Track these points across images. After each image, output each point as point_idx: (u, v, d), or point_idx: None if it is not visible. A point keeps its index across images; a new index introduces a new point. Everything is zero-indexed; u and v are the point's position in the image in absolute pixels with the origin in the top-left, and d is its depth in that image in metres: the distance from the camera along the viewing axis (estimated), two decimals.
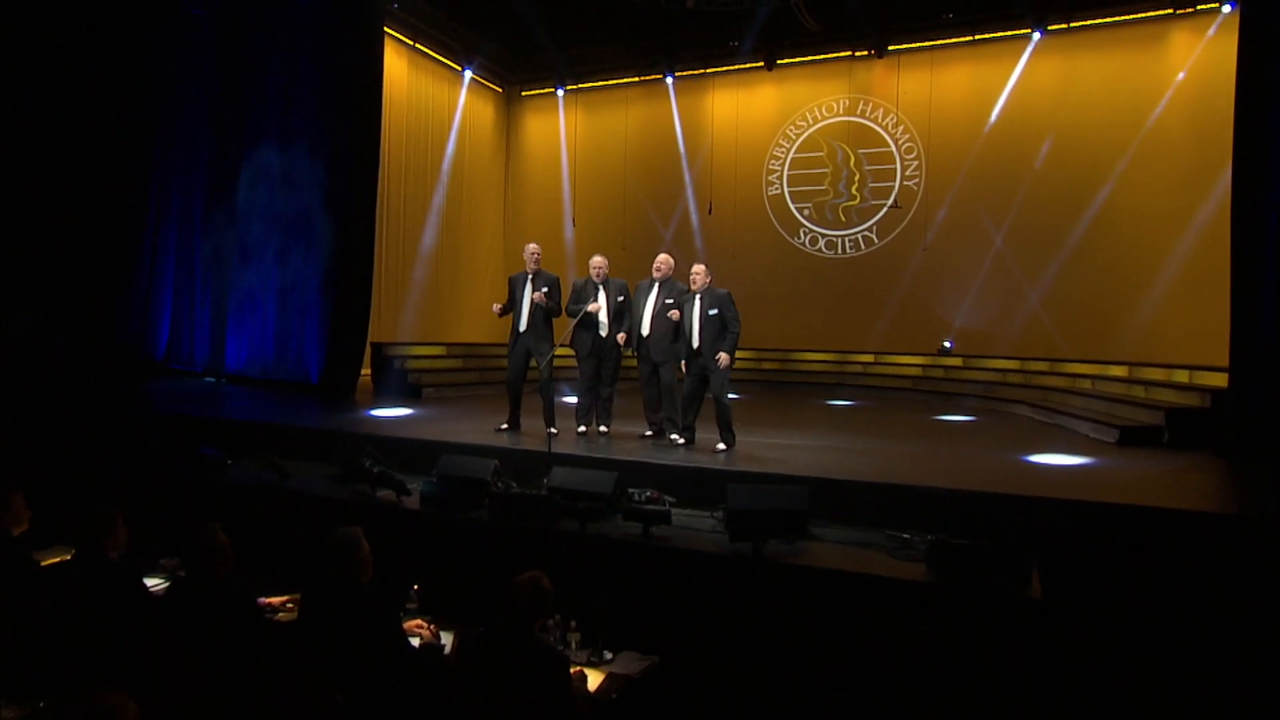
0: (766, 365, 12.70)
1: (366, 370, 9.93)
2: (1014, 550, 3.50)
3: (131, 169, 10.37)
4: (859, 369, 12.11)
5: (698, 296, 5.79)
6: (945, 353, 11.58)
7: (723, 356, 5.70)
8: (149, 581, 3.49)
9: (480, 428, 6.52)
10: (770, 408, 9.50)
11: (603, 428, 6.43)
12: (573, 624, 3.44)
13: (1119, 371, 9.03)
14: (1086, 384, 9.15)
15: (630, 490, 4.70)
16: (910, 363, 11.79)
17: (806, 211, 12.90)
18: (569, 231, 13.96)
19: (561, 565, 4.04)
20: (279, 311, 9.61)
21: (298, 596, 3.29)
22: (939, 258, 11.82)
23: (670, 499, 4.66)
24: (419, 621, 3.36)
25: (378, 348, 9.96)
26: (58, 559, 3.64)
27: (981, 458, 5.90)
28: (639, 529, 4.15)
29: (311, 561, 2.94)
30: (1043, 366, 10.38)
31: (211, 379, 10.04)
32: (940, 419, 8.71)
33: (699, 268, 5.84)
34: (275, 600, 3.51)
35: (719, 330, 5.79)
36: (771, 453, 5.67)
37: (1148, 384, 8.05)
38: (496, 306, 6.45)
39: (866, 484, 4.62)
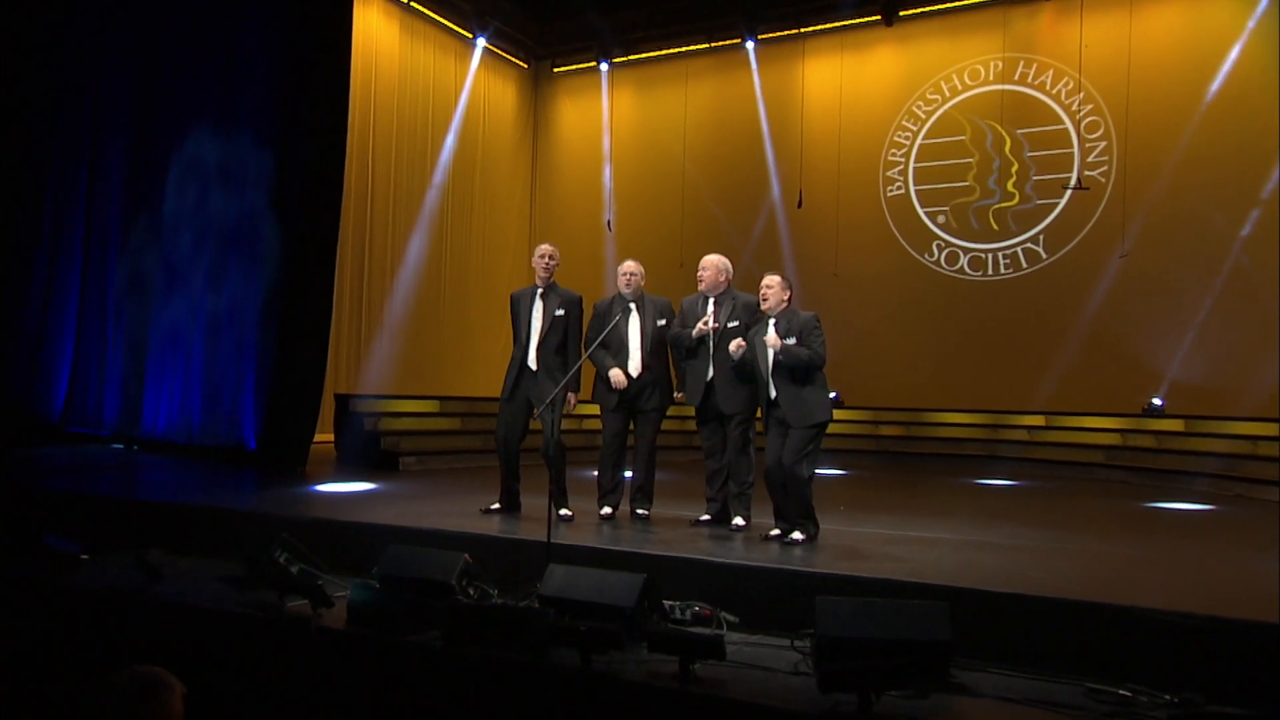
0: (887, 431, 12.58)
1: (329, 436, 10.01)
2: None
3: (20, 170, 10.43)
4: (1022, 436, 11.83)
5: (771, 322, 5.54)
6: (1155, 413, 11.09)
7: (771, 337, 5.39)
8: None
9: (464, 508, 6.40)
10: (891, 487, 9.48)
11: (640, 510, 6.15)
12: None
13: None
14: None
15: (666, 603, 4.42)
16: (1100, 426, 11.42)
17: (942, 218, 12.78)
18: (610, 243, 14.05)
19: None
20: (208, 353, 9.50)
21: None
22: (1142, 278, 11.51)
23: (729, 617, 4.37)
24: None
25: (342, 402, 10.00)
26: None
27: (1242, 568, 5.36)
28: (674, 665, 3.76)
29: None
30: None
31: (121, 445, 10.01)
32: (1156, 507, 8.33)
33: (773, 279, 5.59)
34: None
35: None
36: (890, 549, 5.34)
37: None
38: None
39: (1048, 601, 4.10)
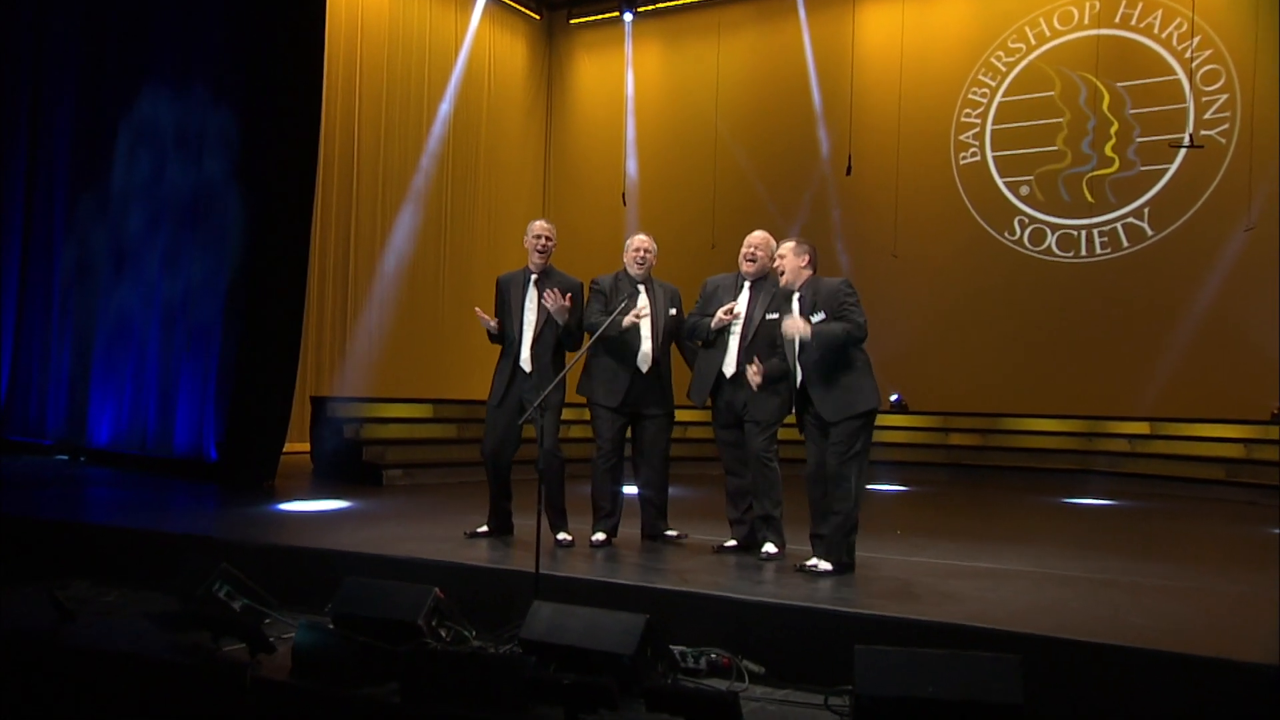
0: (958, 440, 12.63)
1: (304, 445, 10.17)
2: None
3: None
4: (1123, 446, 11.76)
5: (796, 296, 5.47)
6: None
7: (794, 321, 5.23)
8: None
9: (450, 531, 6.45)
10: (961, 507, 9.55)
11: (670, 531, 6.22)
12: None
13: None
14: None
15: (676, 649, 4.37)
16: (1219, 435, 11.23)
17: (1025, 189, 12.78)
18: (634, 220, 14.06)
19: None
20: (164, 349, 9.57)
21: None
22: (1270, 256, 11.27)
23: (752, 666, 4.32)
24: None
25: (319, 406, 10.15)
26: None
27: None
28: None
29: None
30: None
31: (65, 456, 10.14)
32: None
33: (785, 246, 5.54)
34: None
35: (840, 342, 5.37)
36: (952, 584, 5.28)
37: None
38: (491, 321, 6.16)
39: (1149, 654, 3.95)
